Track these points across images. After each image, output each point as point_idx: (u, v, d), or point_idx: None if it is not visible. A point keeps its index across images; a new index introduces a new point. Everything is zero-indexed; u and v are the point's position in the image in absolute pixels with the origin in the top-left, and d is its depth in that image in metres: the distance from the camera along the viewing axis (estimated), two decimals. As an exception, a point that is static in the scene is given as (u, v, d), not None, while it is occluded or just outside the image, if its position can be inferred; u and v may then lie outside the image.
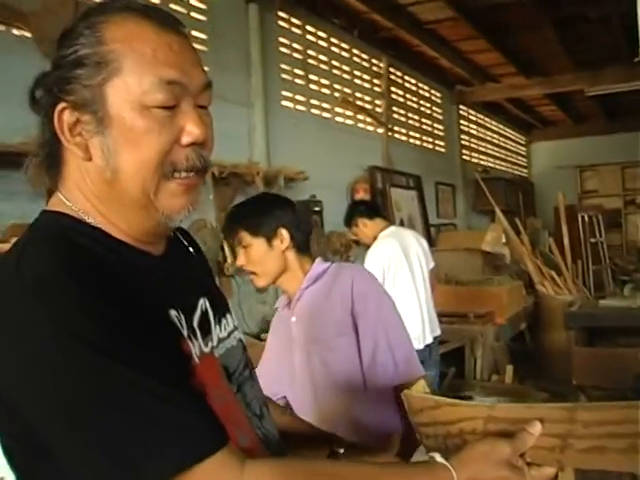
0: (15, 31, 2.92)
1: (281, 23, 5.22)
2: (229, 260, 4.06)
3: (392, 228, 4.11)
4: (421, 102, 8.18)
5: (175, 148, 0.88)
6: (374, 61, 6.82)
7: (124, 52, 0.86)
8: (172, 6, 4.01)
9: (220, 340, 1.03)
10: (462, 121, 9.68)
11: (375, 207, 4.35)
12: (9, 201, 3.09)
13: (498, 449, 0.90)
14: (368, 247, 4.06)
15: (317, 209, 5.18)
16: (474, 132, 10.32)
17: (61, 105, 0.87)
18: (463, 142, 9.67)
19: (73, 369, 0.76)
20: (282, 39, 5.21)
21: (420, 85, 8.12)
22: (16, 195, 3.10)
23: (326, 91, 5.86)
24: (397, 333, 1.90)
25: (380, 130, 6.83)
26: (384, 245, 3.91)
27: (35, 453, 0.82)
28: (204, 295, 1.03)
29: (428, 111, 8.43)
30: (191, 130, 0.88)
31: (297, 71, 5.40)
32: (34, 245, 0.85)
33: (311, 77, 5.61)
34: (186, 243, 1.11)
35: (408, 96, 7.76)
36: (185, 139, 0.89)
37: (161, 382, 0.78)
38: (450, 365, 4.96)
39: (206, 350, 0.97)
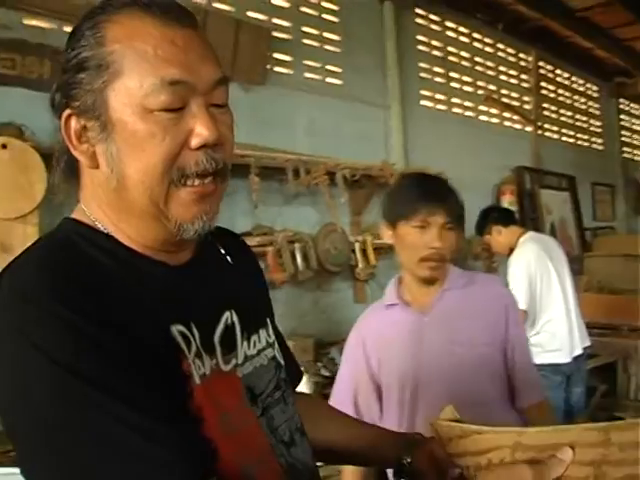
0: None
1: (418, 20, 5.07)
2: (360, 265, 3.98)
3: (530, 234, 3.84)
4: (575, 97, 7.67)
5: (185, 152, 0.81)
6: (521, 55, 6.48)
7: (124, 52, 0.80)
8: (303, 9, 4.00)
9: (247, 358, 0.95)
10: (623, 116, 8.97)
11: (510, 214, 4.12)
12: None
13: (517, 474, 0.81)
14: (507, 255, 3.84)
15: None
16: (637, 127, 9.55)
17: (67, 111, 0.83)
18: (624, 139, 8.96)
19: (40, 390, 0.71)
20: (420, 37, 5.06)
21: (573, 79, 7.62)
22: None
23: (469, 89, 5.64)
24: (530, 354, 1.91)
25: (528, 128, 6.47)
26: (527, 252, 3.67)
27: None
28: (232, 308, 0.95)
29: (583, 106, 7.89)
30: (200, 132, 0.81)
31: (437, 69, 5.24)
32: (33, 252, 0.81)
33: (452, 75, 5.42)
34: (223, 252, 1.03)
35: (560, 91, 7.30)
36: (194, 142, 0.81)
37: (139, 411, 0.72)
38: (599, 381, 4.58)
39: (226, 368, 0.89)
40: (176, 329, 0.84)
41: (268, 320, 1.05)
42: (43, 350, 0.71)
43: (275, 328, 1.10)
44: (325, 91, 4.20)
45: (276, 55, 3.81)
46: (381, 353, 1.84)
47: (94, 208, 0.87)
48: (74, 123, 0.83)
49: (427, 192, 1.75)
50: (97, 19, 0.82)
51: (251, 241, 3.43)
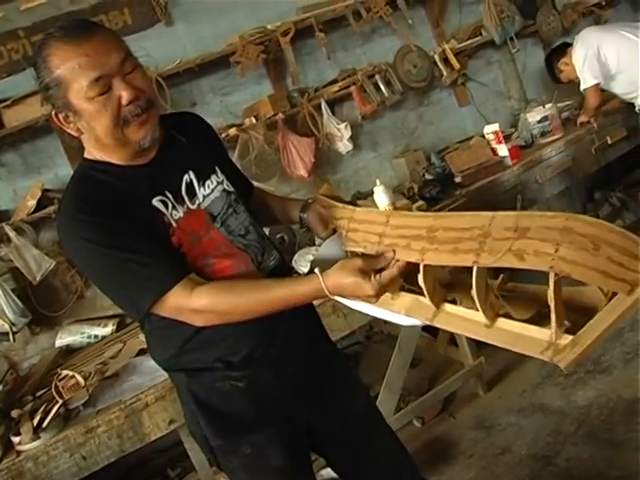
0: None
1: None
2: (445, 73, 4.34)
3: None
4: None
5: (123, 109, 1.38)
6: None
7: (65, 73, 1.34)
8: None
9: (205, 197, 1.54)
10: None
11: (562, 44, 4.39)
12: (240, 91, 3.90)
13: (353, 261, 1.36)
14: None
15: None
16: None
17: (53, 111, 1.43)
18: None
19: (85, 254, 1.43)
20: None
21: None
22: (243, 85, 3.90)
23: None
24: None
25: None
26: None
27: None
28: (189, 170, 1.53)
29: None
30: (123, 95, 1.37)
31: None
32: (69, 185, 1.49)
33: None
34: (179, 135, 1.58)
35: None
36: (123, 102, 1.38)
37: (138, 254, 1.38)
38: None
39: (193, 207, 1.50)
40: (155, 200, 1.45)
41: (216, 167, 1.59)
42: (82, 237, 1.39)
43: (228, 164, 1.72)
44: None
45: None
46: None
47: (92, 151, 1.48)
48: (60, 116, 1.42)
49: None
50: (42, 53, 1.35)
51: (335, 87, 3.94)
